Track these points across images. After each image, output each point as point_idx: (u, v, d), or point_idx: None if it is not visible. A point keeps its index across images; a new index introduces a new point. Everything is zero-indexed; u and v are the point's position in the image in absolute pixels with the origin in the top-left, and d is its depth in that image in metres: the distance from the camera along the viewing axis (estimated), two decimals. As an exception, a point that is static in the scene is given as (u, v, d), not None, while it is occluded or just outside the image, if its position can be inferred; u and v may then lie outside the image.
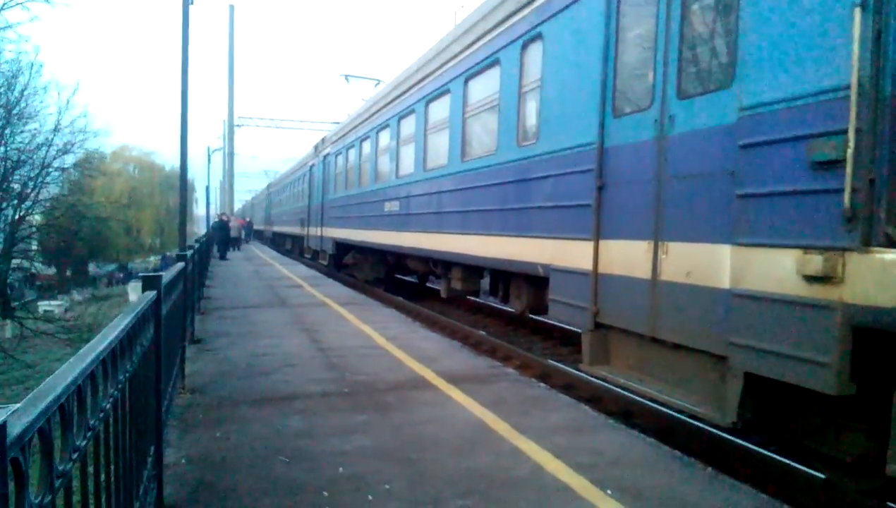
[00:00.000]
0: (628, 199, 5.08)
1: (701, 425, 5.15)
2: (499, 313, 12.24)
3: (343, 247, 17.43)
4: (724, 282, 4.05)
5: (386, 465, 3.56)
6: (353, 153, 16.15)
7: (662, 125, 4.71)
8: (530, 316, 9.06)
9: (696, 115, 4.41)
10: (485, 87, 8.12)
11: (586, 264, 5.57)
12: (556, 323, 10.17)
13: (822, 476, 4.14)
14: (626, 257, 5.07)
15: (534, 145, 6.69)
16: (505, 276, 8.50)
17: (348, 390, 5.20)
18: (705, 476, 3.54)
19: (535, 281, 7.44)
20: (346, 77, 22.83)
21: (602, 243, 5.41)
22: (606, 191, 5.37)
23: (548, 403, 4.94)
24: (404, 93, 11.60)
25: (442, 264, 10.50)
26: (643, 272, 4.84)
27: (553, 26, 6.34)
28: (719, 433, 4.96)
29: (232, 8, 46.46)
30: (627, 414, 5.94)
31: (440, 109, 9.74)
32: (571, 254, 5.87)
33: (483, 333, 9.94)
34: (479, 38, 8.16)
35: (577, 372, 7.35)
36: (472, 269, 9.51)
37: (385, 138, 12.96)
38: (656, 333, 4.72)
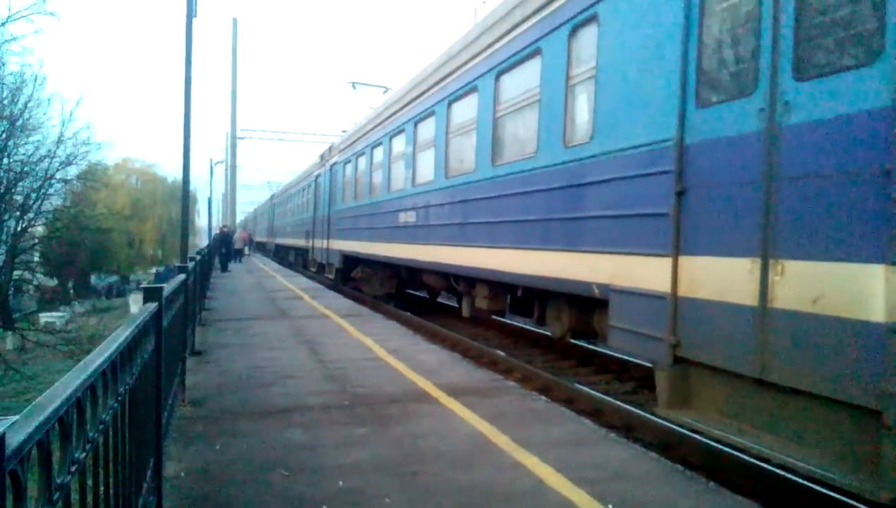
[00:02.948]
0: (721, 206, 4.18)
1: (702, 439, 5.11)
2: (499, 326, 12.21)
3: (351, 261, 16.59)
4: (876, 314, 3.19)
5: (386, 478, 3.55)
6: (363, 161, 15.20)
7: (773, 114, 3.82)
8: (572, 340, 7.97)
9: (824, 100, 3.55)
10: (521, 82, 7.28)
11: (661, 285, 4.67)
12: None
13: None
14: (719, 277, 4.16)
15: (587, 145, 5.83)
16: (540, 295, 7.65)
17: (348, 402, 5.18)
18: (707, 489, 3.52)
19: (579, 302, 6.65)
20: (354, 84, 22.59)
21: (683, 260, 4.50)
22: (689, 197, 4.47)
23: (549, 416, 4.92)
24: (422, 94, 10.72)
25: (465, 280, 9.69)
26: (745, 297, 3.94)
27: (612, 4, 5.49)
28: (720, 447, 4.92)
29: (235, 21, 46.79)
30: (629, 427, 5.91)
31: (465, 110, 8.87)
32: (640, 272, 4.97)
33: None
34: (513, 27, 7.30)
35: (578, 386, 7.33)
36: (500, 286, 8.56)
37: (400, 144, 12.13)
38: (765, 375, 3.80)
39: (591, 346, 9.19)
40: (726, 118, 4.20)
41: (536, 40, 6.79)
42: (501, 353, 9.22)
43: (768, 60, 3.88)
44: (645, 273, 4.90)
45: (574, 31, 6.13)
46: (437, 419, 4.75)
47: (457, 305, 14.63)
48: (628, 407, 6.37)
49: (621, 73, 5.35)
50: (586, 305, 6.62)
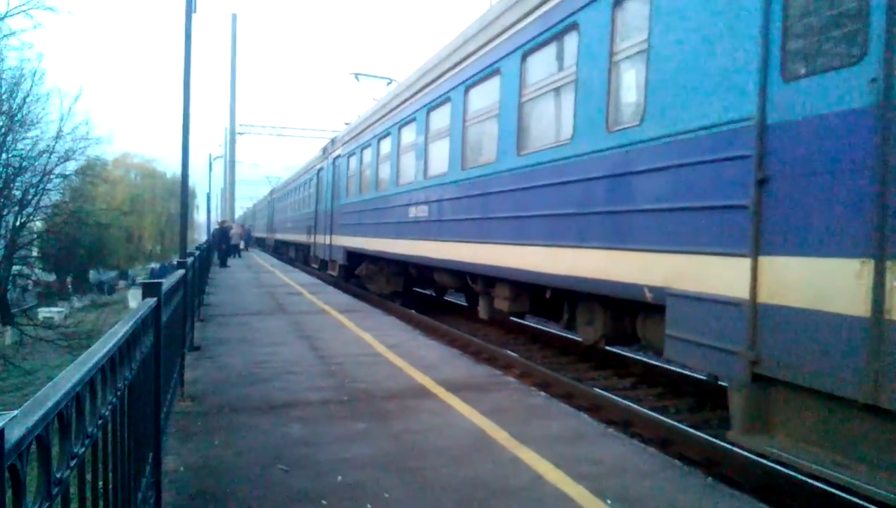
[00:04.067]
0: (818, 197, 3.52)
1: (700, 434, 5.13)
2: (499, 322, 12.21)
3: (355, 257, 15.88)
4: None
5: (385, 473, 3.55)
6: (368, 153, 14.34)
7: (890, 85, 3.18)
8: (606, 347, 7.19)
9: None
10: (552, 62, 6.63)
11: (736, 290, 3.98)
12: (560, 333, 10.14)
13: None
14: (815, 282, 3.50)
15: (636, 128, 5.14)
16: (570, 297, 7.05)
17: (347, 398, 5.19)
18: (705, 485, 3.53)
19: (615, 305, 6.14)
20: (357, 76, 22.10)
21: (765, 260, 3.81)
22: (772, 186, 3.78)
23: (548, 412, 4.93)
24: (435, 80, 9.98)
25: (483, 280, 8.98)
26: (852, 306, 3.30)
27: None
28: (719, 442, 4.94)
29: (234, 16, 46.71)
30: (627, 423, 5.92)
31: (485, 95, 8.15)
32: (707, 273, 4.28)
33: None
34: (543, 2, 6.59)
35: (576, 382, 7.33)
36: (524, 287, 7.89)
37: (410, 134, 11.38)
38: (879, 400, 3.18)
39: (601, 346, 9.15)
40: (824, 92, 3.53)
41: (572, 13, 6.09)
42: (501, 349, 9.23)
43: (882, 19, 3.19)
44: (714, 275, 4.22)
45: (619, 1, 5.49)
46: (436, 414, 4.76)
47: (465, 303, 14.38)
48: (627, 402, 6.39)
49: (681, 44, 4.65)
50: (624, 309, 6.08)
